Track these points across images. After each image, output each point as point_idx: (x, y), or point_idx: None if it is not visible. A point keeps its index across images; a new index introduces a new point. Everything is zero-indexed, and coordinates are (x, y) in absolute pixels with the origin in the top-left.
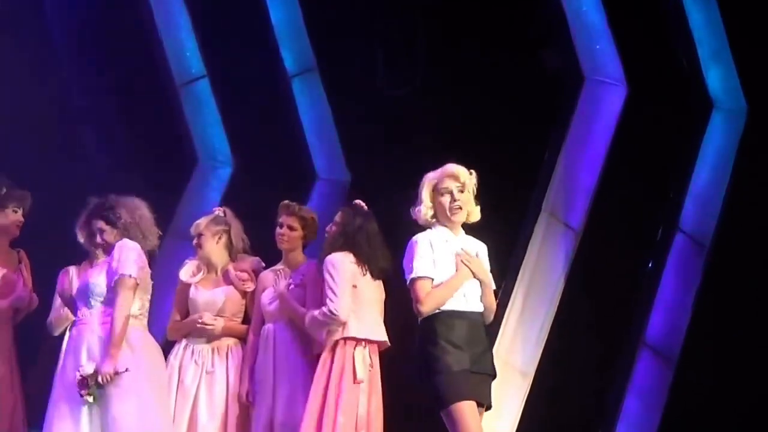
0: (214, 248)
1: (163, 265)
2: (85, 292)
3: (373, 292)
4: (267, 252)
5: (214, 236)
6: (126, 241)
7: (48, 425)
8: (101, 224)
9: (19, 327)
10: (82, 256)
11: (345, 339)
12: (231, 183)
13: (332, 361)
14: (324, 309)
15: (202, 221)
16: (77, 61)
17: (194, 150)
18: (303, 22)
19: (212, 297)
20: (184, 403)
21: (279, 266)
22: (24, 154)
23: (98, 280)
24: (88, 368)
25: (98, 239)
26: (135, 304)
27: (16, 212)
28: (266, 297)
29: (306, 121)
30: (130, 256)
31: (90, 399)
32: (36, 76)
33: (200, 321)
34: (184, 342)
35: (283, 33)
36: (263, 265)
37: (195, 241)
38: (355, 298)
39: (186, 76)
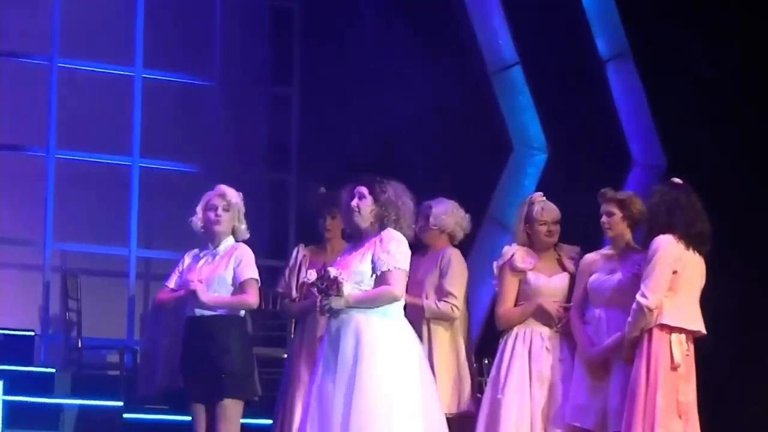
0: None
1: (479, 251)
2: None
3: (693, 272)
4: (580, 239)
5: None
6: (392, 231)
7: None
8: (364, 189)
9: None
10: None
11: (661, 326)
12: (546, 170)
13: (649, 347)
14: (639, 300)
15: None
16: (390, 53)
17: (509, 137)
18: (615, 5)
19: (555, 283)
20: (541, 390)
21: (608, 251)
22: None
23: (362, 268)
24: (332, 272)
25: (354, 203)
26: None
27: (334, 218)
28: (597, 281)
29: (620, 105)
30: (402, 249)
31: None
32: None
33: (562, 306)
34: (524, 328)
35: (596, 17)
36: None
37: (547, 229)
38: (674, 284)
39: (499, 63)
